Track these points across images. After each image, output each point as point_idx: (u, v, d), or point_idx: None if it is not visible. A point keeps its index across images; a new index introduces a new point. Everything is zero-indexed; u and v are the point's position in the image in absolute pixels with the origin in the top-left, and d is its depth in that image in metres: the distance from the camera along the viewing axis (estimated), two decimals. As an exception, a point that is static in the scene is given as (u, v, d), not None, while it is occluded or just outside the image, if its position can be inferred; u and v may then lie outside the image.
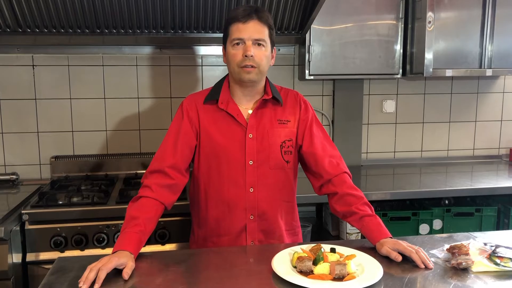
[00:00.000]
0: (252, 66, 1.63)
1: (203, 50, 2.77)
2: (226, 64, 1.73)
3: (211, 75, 2.81)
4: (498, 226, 2.59)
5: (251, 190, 1.71)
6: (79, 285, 1.29)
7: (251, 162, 1.70)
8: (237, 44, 1.64)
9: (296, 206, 1.86)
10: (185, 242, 2.11)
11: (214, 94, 1.74)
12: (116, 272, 1.37)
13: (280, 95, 1.78)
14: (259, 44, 1.64)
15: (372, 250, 1.53)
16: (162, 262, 1.51)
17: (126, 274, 1.35)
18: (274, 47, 1.74)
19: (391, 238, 1.55)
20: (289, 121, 1.77)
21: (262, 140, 1.71)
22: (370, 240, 1.58)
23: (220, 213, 1.73)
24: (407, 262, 1.46)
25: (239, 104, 1.74)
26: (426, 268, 1.41)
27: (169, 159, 1.67)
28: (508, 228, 2.53)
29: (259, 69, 1.65)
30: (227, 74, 1.78)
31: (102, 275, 1.31)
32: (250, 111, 1.73)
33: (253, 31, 1.63)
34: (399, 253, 1.47)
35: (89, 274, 1.31)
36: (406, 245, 1.48)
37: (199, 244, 1.80)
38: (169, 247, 2.18)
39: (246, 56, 1.62)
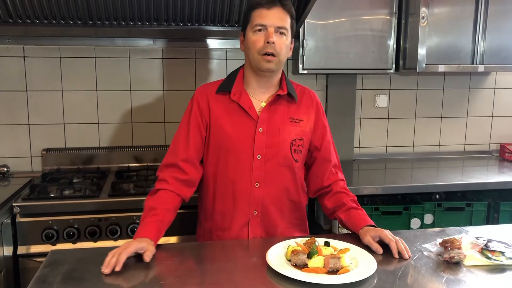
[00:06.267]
0: (272, 55, 1.60)
1: (197, 43, 2.75)
2: (243, 51, 1.71)
3: (205, 68, 2.79)
4: (488, 221, 2.62)
5: (257, 185, 1.68)
6: (102, 270, 1.32)
7: (259, 157, 1.67)
8: (259, 30, 1.61)
9: (303, 207, 1.82)
10: (188, 235, 2.12)
11: (227, 85, 1.72)
12: (137, 261, 1.40)
13: (296, 92, 1.74)
14: (281, 33, 1.62)
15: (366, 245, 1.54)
16: (181, 252, 1.54)
17: (147, 256, 1.39)
18: (293, 39, 1.71)
19: (374, 226, 1.58)
20: (302, 120, 1.73)
21: (273, 135, 1.68)
22: (353, 228, 1.61)
23: (225, 206, 1.71)
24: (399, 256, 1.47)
25: (252, 95, 1.71)
26: (402, 258, 1.45)
27: (182, 153, 1.66)
28: (497, 223, 2.56)
29: (279, 58, 1.63)
30: (242, 66, 1.76)
31: (122, 258, 1.35)
32: (263, 104, 1.70)
33: (276, 18, 1.61)
34: (380, 241, 1.50)
35: (111, 259, 1.35)
36: (388, 233, 1.51)
37: (206, 237, 1.78)
38: (172, 240, 2.16)
39: (268, 42, 1.59)
